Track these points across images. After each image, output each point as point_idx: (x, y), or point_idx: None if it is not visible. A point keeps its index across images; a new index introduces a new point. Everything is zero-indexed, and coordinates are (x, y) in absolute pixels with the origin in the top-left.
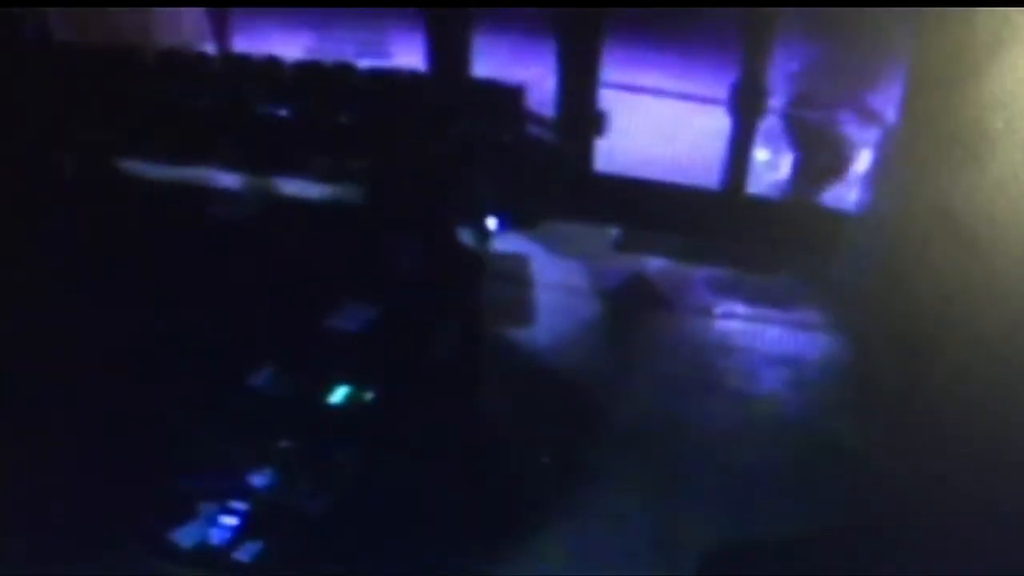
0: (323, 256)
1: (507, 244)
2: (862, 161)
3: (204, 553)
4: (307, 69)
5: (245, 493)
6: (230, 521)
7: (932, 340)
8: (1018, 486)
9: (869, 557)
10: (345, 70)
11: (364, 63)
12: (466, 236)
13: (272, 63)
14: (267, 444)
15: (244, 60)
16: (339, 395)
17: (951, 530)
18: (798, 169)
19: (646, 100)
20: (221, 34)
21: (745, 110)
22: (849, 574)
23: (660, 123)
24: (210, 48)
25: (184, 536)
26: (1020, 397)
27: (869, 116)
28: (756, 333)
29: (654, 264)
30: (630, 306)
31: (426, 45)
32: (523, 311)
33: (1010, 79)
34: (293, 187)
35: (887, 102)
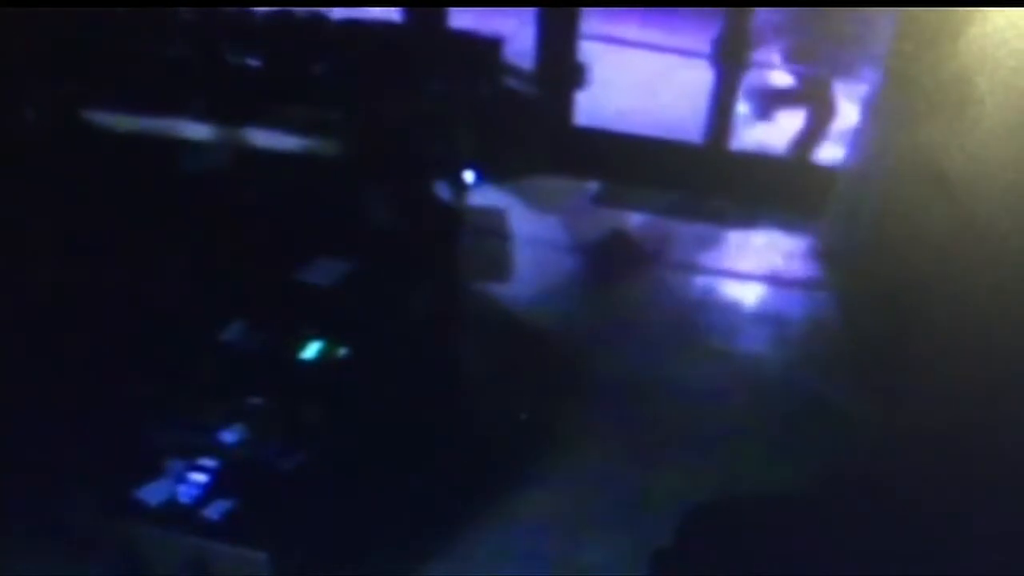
0: (295, 209)
1: (484, 198)
2: (848, 117)
3: (172, 511)
4: (278, 18)
5: (215, 450)
6: (199, 478)
7: (919, 297)
8: (1009, 444)
9: (854, 516)
10: (317, 20)
11: (337, 13)
12: (442, 190)
13: (242, 12)
14: (238, 400)
15: (214, 9)
16: (312, 350)
17: (939, 489)
18: (782, 125)
19: (627, 53)
20: None
21: (728, 64)
22: (834, 534)
23: (641, 76)
24: None
25: (151, 493)
26: (1009, 353)
27: (854, 72)
28: (739, 290)
29: (635, 219)
30: (610, 261)
31: None
32: (501, 266)
33: (994, 37)
34: (264, 139)
35: (873, 58)
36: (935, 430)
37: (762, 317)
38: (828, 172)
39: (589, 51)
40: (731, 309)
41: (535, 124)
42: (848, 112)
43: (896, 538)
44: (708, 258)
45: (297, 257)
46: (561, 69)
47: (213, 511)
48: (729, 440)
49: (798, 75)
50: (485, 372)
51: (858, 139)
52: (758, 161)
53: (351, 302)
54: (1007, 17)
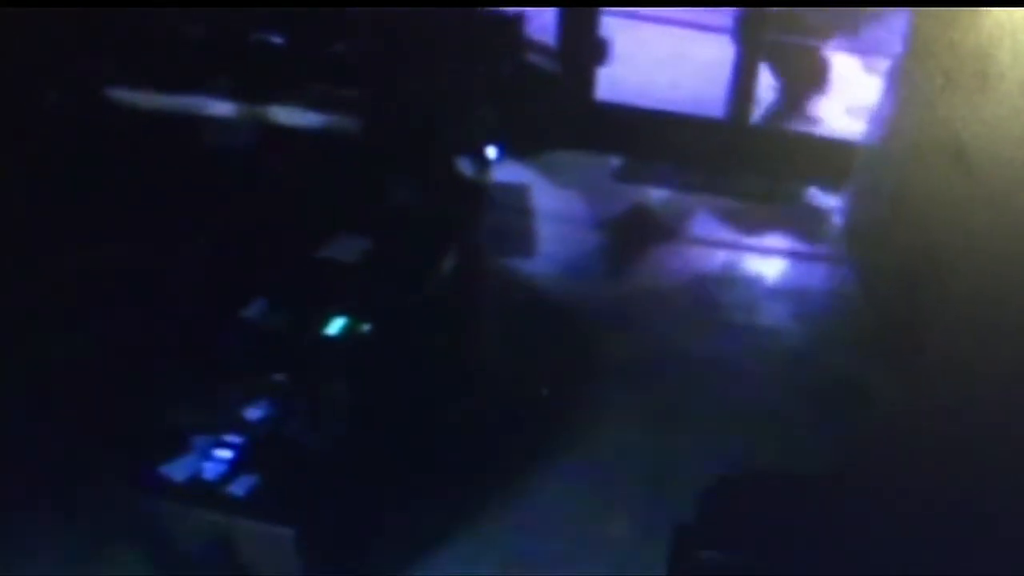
0: (319, 186)
1: (507, 174)
2: (867, 92)
3: (197, 487)
4: None
5: (240, 427)
6: (224, 455)
7: (938, 272)
8: None
9: (874, 493)
10: None
11: None
12: (465, 166)
13: None
14: (262, 377)
15: None
16: (335, 327)
17: (959, 464)
18: (801, 98)
19: (650, 28)
20: None
21: (749, 39)
22: (854, 510)
23: (664, 51)
24: None
25: (177, 470)
26: None
27: (875, 46)
28: (760, 264)
29: (656, 194)
30: (631, 237)
31: None
32: (523, 241)
33: (1014, 11)
34: (287, 116)
35: (893, 32)
36: (955, 406)
37: (783, 292)
38: (849, 147)
39: (611, 26)
40: (752, 285)
41: (557, 100)
42: (869, 86)
43: (916, 515)
44: (729, 233)
45: (321, 234)
46: (583, 45)
47: (238, 487)
48: (750, 416)
49: (819, 49)
50: (507, 347)
51: (878, 114)
52: (780, 136)
53: (374, 278)
54: None
